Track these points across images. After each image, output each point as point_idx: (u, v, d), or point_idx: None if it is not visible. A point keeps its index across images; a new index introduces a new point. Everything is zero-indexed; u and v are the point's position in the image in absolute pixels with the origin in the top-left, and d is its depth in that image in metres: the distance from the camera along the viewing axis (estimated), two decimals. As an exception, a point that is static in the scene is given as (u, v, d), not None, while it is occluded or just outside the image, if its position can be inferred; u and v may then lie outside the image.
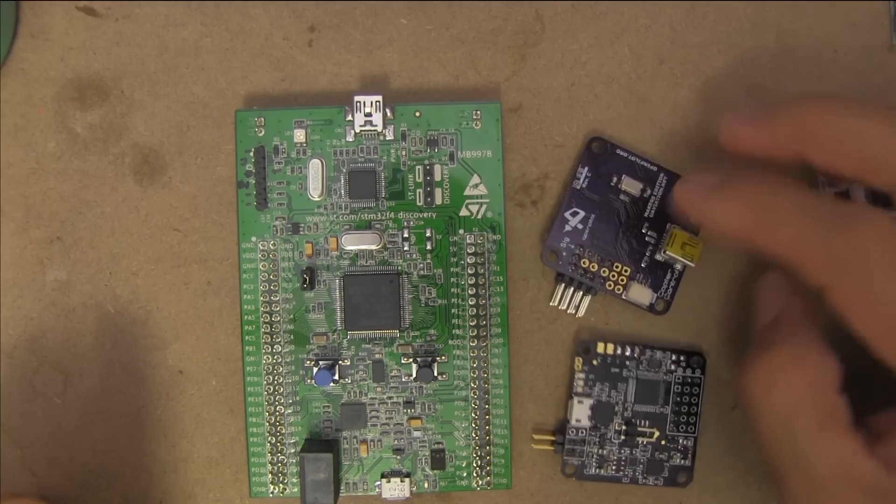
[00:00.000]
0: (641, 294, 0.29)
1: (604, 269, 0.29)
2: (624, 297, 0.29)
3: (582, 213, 0.29)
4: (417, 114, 0.29)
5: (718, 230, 0.25)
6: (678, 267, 0.29)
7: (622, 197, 0.29)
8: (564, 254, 0.29)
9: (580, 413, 0.29)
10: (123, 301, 0.30)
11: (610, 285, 0.29)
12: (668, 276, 0.29)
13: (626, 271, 0.29)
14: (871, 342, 0.22)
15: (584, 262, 0.29)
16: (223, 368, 0.30)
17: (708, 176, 0.25)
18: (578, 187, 0.29)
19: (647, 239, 0.29)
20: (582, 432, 0.29)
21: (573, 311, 0.29)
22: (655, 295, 0.29)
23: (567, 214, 0.29)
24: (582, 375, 0.29)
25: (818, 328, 0.25)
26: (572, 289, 0.29)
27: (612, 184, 0.29)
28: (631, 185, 0.29)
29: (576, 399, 0.29)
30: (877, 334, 0.22)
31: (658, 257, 0.29)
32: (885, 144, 0.23)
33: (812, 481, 0.23)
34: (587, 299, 0.29)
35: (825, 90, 0.29)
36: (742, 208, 0.24)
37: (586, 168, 0.29)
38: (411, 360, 0.29)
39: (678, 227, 0.29)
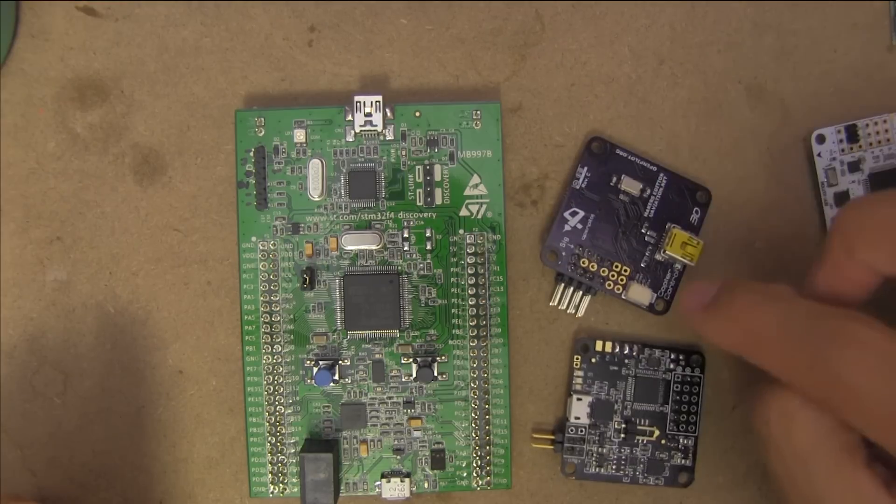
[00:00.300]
0: (641, 294, 0.29)
1: (603, 268, 0.29)
2: (624, 297, 0.29)
3: (581, 213, 0.29)
4: (417, 114, 0.29)
5: (719, 346, 0.25)
6: (678, 267, 0.29)
7: (622, 197, 0.29)
8: (564, 254, 0.29)
9: (579, 411, 0.29)
10: (123, 301, 0.30)
11: (609, 285, 0.29)
12: (668, 276, 0.29)
13: (625, 271, 0.29)
14: (887, 449, 0.21)
15: (583, 262, 0.29)
16: (223, 368, 0.30)
17: (703, 288, 0.25)
18: (578, 187, 0.29)
19: (646, 239, 0.29)
20: (581, 430, 0.29)
21: (573, 311, 0.29)
22: (655, 295, 0.29)
23: (566, 214, 0.29)
24: (581, 373, 0.29)
25: None
26: (572, 289, 0.29)
27: (611, 184, 0.29)
28: (631, 185, 0.29)
29: (575, 397, 0.29)
30: (888, 444, 0.21)
31: (658, 257, 0.29)
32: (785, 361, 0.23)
33: None
34: (587, 299, 0.29)
35: (825, 90, 0.30)
36: (732, 329, 0.24)
37: (586, 168, 0.29)
38: (411, 360, 0.29)
39: (678, 226, 0.29)
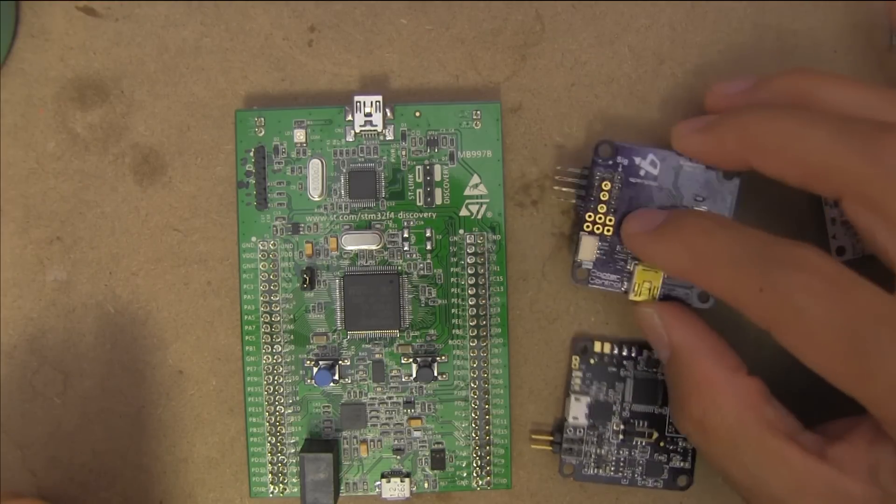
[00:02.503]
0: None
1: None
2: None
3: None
4: (417, 114, 0.29)
5: (662, 270, 0.26)
6: None
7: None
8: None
9: (577, 411, 0.29)
10: (123, 301, 0.30)
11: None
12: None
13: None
14: (825, 377, 0.22)
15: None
16: (223, 368, 0.30)
17: (651, 215, 0.26)
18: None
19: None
20: (580, 431, 0.29)
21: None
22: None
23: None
24: (579, 374, 0.29)
25: (722, 348, 0.25)
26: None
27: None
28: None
29: (573, 397, 0.29)
30: (827, 371, 0.22)
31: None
32: (829, 153, 0.22)
33: (773, 500, 0.23)
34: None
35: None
36: (680, 251, 0.24)
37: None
38: (411, 360, 0.29)
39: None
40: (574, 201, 0.28)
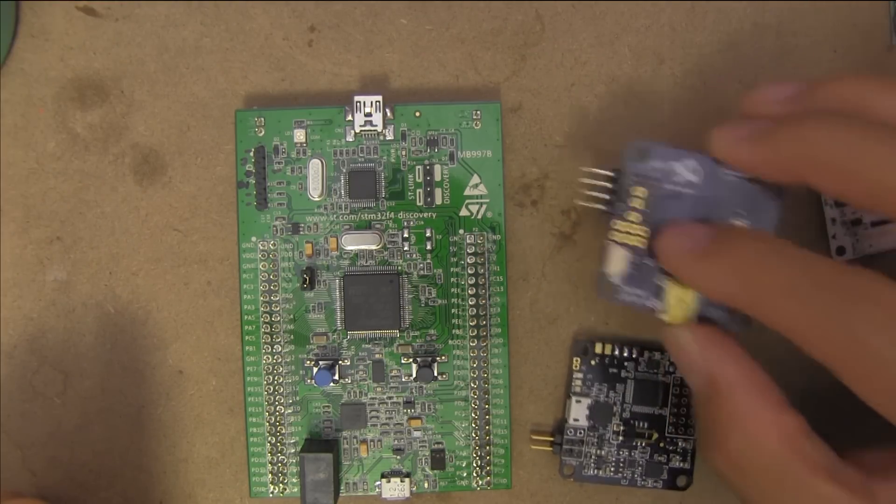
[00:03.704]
0: None
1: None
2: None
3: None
4: (417, 114, 0.29)
5: (707, 295, 0.23)
6: None
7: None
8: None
9: (578, 413, 0.29)
10: (123, 301, 0.30)
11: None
12: None
13: None
14: (887, 416, 0.20)
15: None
16: (223, 368, 0.30)
17: (694, 231, 0.23)
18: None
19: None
20: (580, 432, 0.29)
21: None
22: None
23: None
24: (580, 375, 0.29)
25: (765, 382, 0.23)
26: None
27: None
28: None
29: (573, 399, 0.29)
30: (892, 410, 0.20)
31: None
32: None
33: None
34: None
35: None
36: (731, 278, 0.22)
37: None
38: (411, 360, 0.29)
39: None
40: (601, 207, 0.25)
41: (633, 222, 0.24)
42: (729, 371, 0.23)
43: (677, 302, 0.24)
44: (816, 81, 0.23)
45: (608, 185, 0.25)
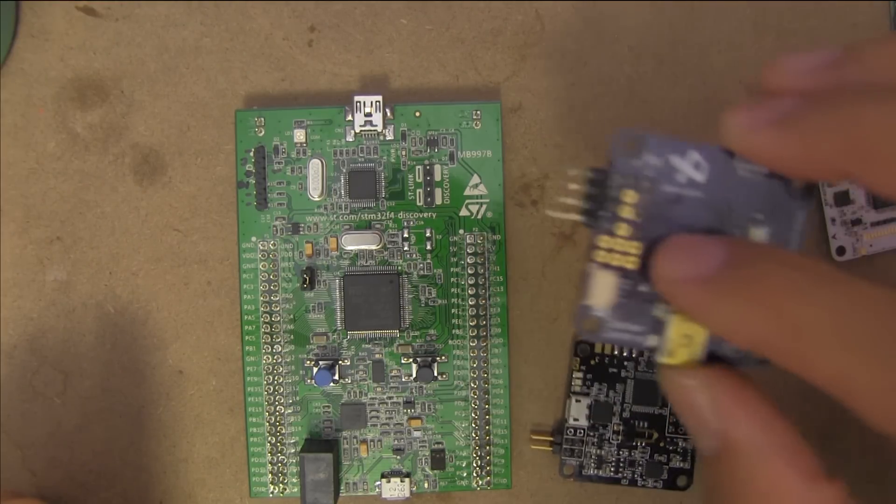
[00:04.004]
0: None
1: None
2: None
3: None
4: (417, 114, 0.29)
5: (727, 338, 0.18)
6: None
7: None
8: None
9: (578, 412, 0.29)
10: (123, 301, 0.30)
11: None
12: None
13: None
14: None
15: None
16: (223, 368, 0.30)
17: (704, 249, 0.17)
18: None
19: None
20: (580, 432, 0.29)
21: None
22: None
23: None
24: (580, 375, 0.29)
25: (795, 444, 0.18)
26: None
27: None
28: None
29: (573, 398, 0.29)
30: None
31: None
32: None
33: None
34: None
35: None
36: (759, 318, 0.16)
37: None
38: (411, 360, 0.29)
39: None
40: (580, 218, 0.19)
41: (622, 237, 0.19)
42: (749, 430, 0.18)
43: (682, 340, 0.19)
44: (856, 46, 0.18)
45: (590, 189, 0.19)
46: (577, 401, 0.29)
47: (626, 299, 0.19)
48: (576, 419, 0.29)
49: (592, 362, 0.29)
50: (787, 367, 0.16)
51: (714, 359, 0.19)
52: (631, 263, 0.19)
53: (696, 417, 0.18)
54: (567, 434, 0.29)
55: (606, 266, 0.19)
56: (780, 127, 0.17)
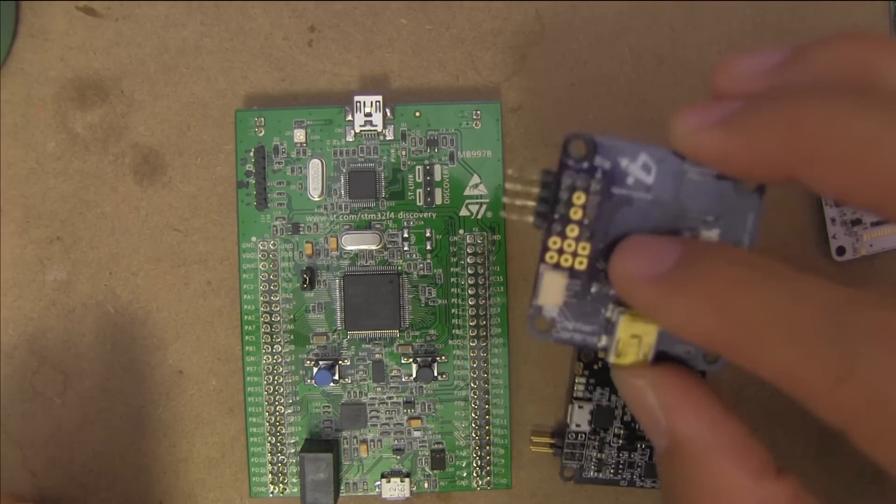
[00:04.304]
0: None
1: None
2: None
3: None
4: (417, 114, 0.29)
5: (680, 335, 0.18)
6: None
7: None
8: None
9: (580, 418, 0.29)
10: (123, 301, 0.30)
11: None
12: None
13: None
14: None
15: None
16: (223, 368, 0.30)
17: (659, 248, 0.18)
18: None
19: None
20: (581, 437, 0.29)
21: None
22: None
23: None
24: (582, 380, 0.29)
25: (744, 441, 0.18)
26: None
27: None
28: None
29: (576, 404, 0.29)
30: None
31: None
32: None
33: None
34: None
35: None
36: (706, 312, 0.17)
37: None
38: (411, 360, 0.29)
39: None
40: (531, 220, 0.20)
41: (572, 238, 0.19)
42: (697, 429, 0.18)
43: (631, 340, 0.19)
44: (804, 45, 0.18)
45: (541, 191, 0.20)
46: (580, 406, 0.29)
47: (577, 300, 0.20)
48: (578, 424, 0.29)
49: (595, 367, 0.29)
50: (736, 363, 0.17)
51: (667, 359, 0.19)
52: (581, 264, 0.19)
53: (646, 416, 0.19)
54: (568, 438, 0.29)
55: (556, 267, 0.20)
56: (725, 127, 0.17)
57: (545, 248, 0.20)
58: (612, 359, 0.19)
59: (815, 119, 0.16)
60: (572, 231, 0.19)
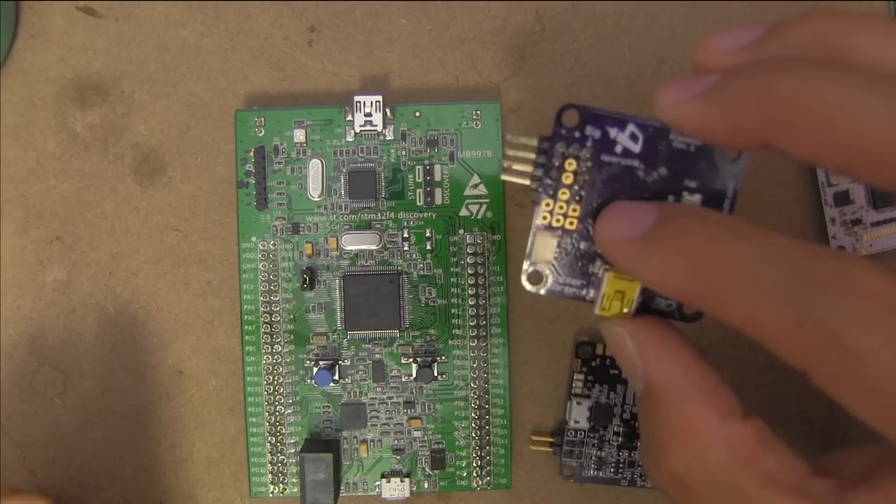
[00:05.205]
0: None
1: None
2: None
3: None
4: (417, 114, 0.29)
5: (658, 291, 0.19)
6: None
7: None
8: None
9: (579, 415, 0.29)
10: (123, 301, 0.30)
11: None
12: None
13: None
14: (885, 436, 0.16)
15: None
16: (223, 368, 0.30)
17: (638, 212, 0.19)
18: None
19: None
20: (580, 434, 0.29)
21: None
22: None
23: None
24: (581, 377, 0.29)
25: (713, 386, 0.19)
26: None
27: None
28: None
29: (574, 401, 0.29)
30: (877, 417, 0.16)
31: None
32: (893, 130, 0.16)
33: None
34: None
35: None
36: (680, 269, 0.18)
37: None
38: (411, 360, 0.29)
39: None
40: (528, 183, 0.21)
41: (563, 201, 0.21)
42: (669, 374, 0.20)
43: (615, 295, 0.21)
44: (780, 22, 0.19)
45: (537, 157, 0.21)
46: (578, 403, 0.29)
47: (566, 257, 0.21)
48: (576, 421, 0.29)
49: (593, 364, 0.29)
50: (709, 313, 0.18)
51: (648, 311, 0.21)
52: (571, 225, 0.21)
53: (626, 362, 0.20)
54: (567, 436, 0.29)
55: (549, 227, 0.21)
56: (704, 98, 0.18)
57: (538, 209, 0.21)
58: (597, 311, 0.21)
59: (786, 88, 0.17)
60: (564, 194, 0.21)
